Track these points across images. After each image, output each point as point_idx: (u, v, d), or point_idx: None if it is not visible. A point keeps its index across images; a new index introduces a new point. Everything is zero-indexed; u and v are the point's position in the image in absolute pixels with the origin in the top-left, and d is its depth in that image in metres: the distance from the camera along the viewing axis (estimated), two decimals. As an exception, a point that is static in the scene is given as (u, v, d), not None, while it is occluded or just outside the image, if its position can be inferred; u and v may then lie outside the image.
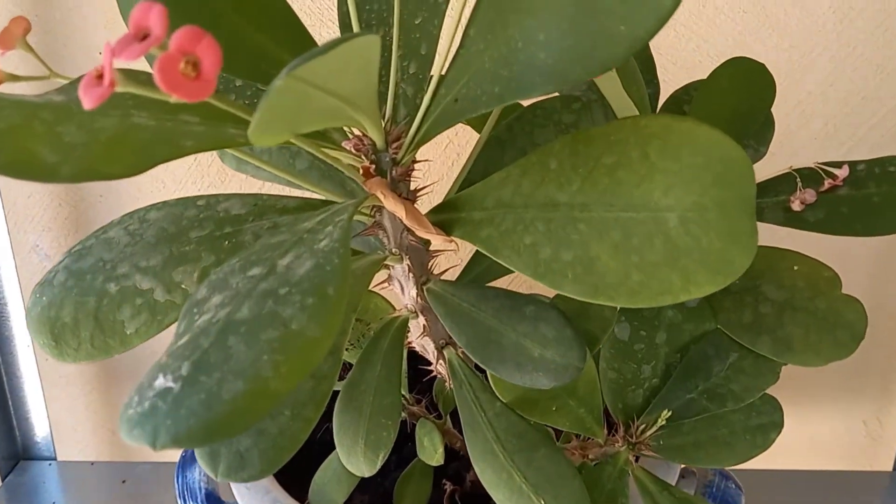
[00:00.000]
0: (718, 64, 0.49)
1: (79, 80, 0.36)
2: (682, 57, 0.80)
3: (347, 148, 0.40)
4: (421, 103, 0.43)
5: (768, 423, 0.47)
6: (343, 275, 0.31)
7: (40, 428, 0.94)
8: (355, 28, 0.43)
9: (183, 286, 0.40)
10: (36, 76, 0.36)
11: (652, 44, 0.42)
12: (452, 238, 0.40)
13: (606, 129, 0.35)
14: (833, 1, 0.77)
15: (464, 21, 0.36)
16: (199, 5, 0.37)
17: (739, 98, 0.49)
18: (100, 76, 0.26)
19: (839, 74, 0.81)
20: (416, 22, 0.43)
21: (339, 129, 0.42)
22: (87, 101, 0.26)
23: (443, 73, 0.38)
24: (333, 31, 0.80)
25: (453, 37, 0.37)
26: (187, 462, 0.60)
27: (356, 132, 0.42)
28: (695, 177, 0.33)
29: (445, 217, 0.40)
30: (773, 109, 0.53)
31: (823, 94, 0.82)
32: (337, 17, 0.46)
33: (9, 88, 0.36)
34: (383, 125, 0.41)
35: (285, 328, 0.28)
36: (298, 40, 0.39)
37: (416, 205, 0.42)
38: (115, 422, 0.83)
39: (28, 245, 0.90)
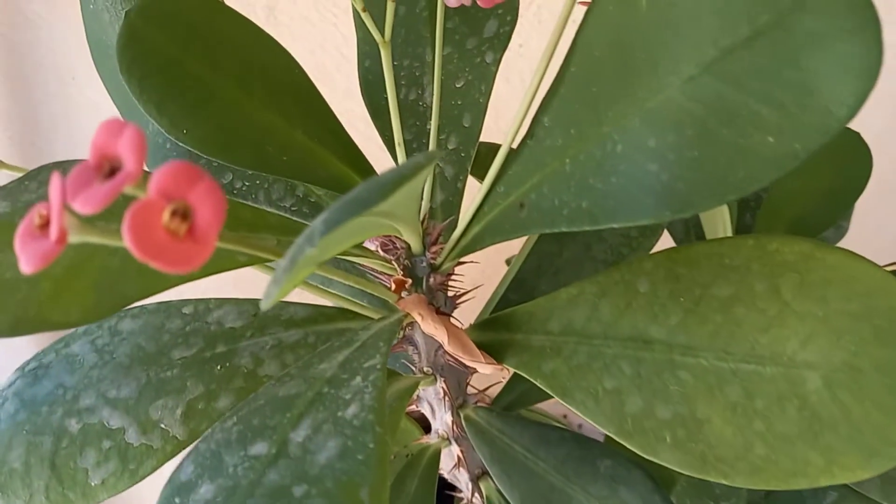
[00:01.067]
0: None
1: (35, 172, 0.27)
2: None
3: (373, 250, 0.32)
4: (462, 187, 0.35)
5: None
6: (381, 469, 0.22)
7: None
8: (389, 82, 0.34)
9: (163, 425, 0.31)
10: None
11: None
12: (504, 367, 0.32)
13: (718, 249, 0.27)
14: None
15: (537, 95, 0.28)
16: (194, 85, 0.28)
17: (833, 173, 0.41)
18: (44, 224, 0.18)
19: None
20: (458, 86, 0.35)
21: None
22: (28, 261, 0.18)
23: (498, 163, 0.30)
24: (336, 49, 0.72)
25: (522, 119, 0.28)
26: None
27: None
28: (847, 328, 0.25)
29: (495, 338, 0.32)
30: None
31: None
32: (357, 64, 0.37)
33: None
34: (420, 221, 0.32)
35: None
36: (314, 116, 0.31)
37: (455, 314, 0.34)
38: None
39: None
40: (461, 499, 0.40)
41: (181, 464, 0.26)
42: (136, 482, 0.31)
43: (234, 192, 0.34)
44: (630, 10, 0.23)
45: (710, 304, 0.27)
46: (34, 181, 0.27)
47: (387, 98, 0.36)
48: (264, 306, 0.18)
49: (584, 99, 0.25)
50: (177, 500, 0.24)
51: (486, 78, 0.34)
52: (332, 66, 0.72)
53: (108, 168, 0.17)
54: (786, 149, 0.22)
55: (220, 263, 0.27)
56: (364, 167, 0.31)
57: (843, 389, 0.25)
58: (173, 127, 0.29)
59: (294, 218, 0.32)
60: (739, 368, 0.26)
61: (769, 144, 0.22)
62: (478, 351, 0.31)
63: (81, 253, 0.25)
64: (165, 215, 0.17)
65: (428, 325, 0.30)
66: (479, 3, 0.31)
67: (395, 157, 0.32)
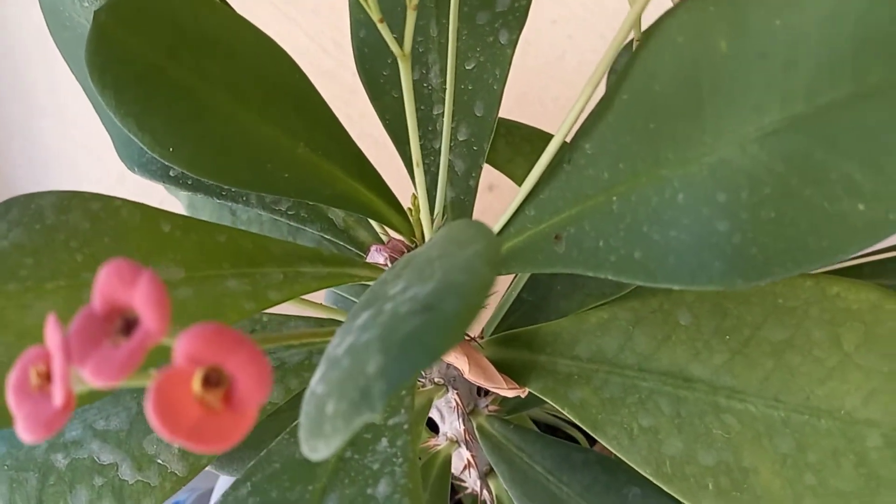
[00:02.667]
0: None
1: (2, 209, 0.24)
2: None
3: (381, 261, 0.29)
4: (475, 184, 0.31)
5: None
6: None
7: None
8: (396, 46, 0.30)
9: (160, 461, 0.29)
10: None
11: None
12: (526, 389, 0.30)
13: (772, 288, 0.25)
14: None
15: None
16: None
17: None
18: (43, 379, 0.15)
19: None
20: (468, 67, 0.31)
21: (364, 223, 0.31)
22: (30, 429, 0.15)
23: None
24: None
25: (564, 137, 0.25)
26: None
27: (392, 232, 0.30)
28: (916, 388, 0.23)
29: (516, 357, 0.30)
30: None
31: None
32: (350, 34, 0.33)
33: None
34: (433, 222, 0.29)
35: None
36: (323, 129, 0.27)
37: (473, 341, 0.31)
38: None
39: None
40: (465, 487, 0.39)
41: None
42: (135, 521, 0.29)
43: (223, 193, 0.30)
44: (705, 47, 0.20)
45: (761, 347, 0.25)
46: (3, 221, 0.23)
47: (386, 75, 0.32)
48: (312, 456, 0.16)
49: (638, 133, 0.22)
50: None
51: (500, 61, 0.31)
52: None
53: (122, 322, 0.14)
54: (878, 216, 0.19)
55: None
56: (375, 181, 0.28)
57: (906, 449, 0.23)
58: (157, 144, 0.25)
59: (299, 242, 0.28)
60: (791, 418, 0.25)
61: (859, 212, 0.19)
62: (500, 376, 0.29)
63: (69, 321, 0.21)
64: (196, 383, 0.14)
65: (448, 356, 0.28)
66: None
67: (412, 175, 0.29)
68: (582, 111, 0.24)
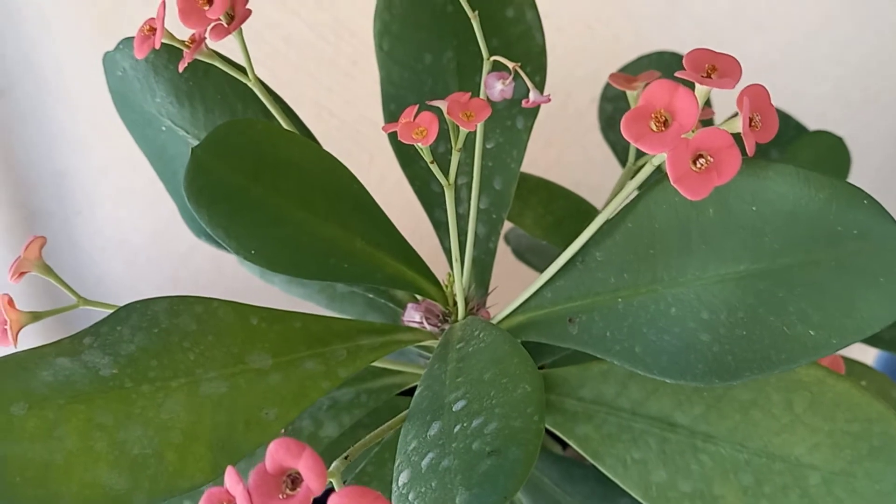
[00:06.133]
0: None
1: (123, 314, 0.29)
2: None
3: (417, 318, 0.35)
4: (494, 247, 0.37)
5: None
6: None
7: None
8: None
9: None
10: (62, 308, 0.29)
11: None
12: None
13: (740, 358, 0.31)
14: None
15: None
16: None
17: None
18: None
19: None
20: (488, 146, 0.36)
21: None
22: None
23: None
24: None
25: (581, 247, 0.31)
26: None
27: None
28: (848, 444, 0.30)
29: (529, 393, 0.36)
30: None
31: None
32: (382, 106, 0.38)
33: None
34: (464, 293, 0.35)
35: None
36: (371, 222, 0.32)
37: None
38: None
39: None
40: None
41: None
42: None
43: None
44: (696, 209, 0.26)
45: (731, 404, 0.31)
46: (126, 326, 0.28)
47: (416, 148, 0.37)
48: None
49: (641, 254, 0.28)
50: None
51: (517, 144, 0.36)
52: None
53: (289, 480, 0.20)
54: (824, 340, 0.26)
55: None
56: (416, 263, 0.33)
57: (839, 487, 0.30)
58: (241, 248, 0.30)
59: (356, 319, 0.34)
60: (752, 460, 0.31)
61: (810, 336, 0.26)
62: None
63: (192, 414, 0.27)
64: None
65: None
66: (523, 104, 0.32)
67: (450, 262, 0.34)
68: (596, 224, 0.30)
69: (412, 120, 0.29)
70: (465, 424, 0.23)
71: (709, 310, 0.27)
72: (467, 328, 0.31)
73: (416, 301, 0.36)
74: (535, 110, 0.36)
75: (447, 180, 0.30)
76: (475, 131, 0.32)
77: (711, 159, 0.22)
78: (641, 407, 0.33)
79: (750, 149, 0.23)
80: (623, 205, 0.29)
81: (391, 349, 0.33)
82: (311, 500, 0.20)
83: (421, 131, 0.28)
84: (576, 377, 0.35)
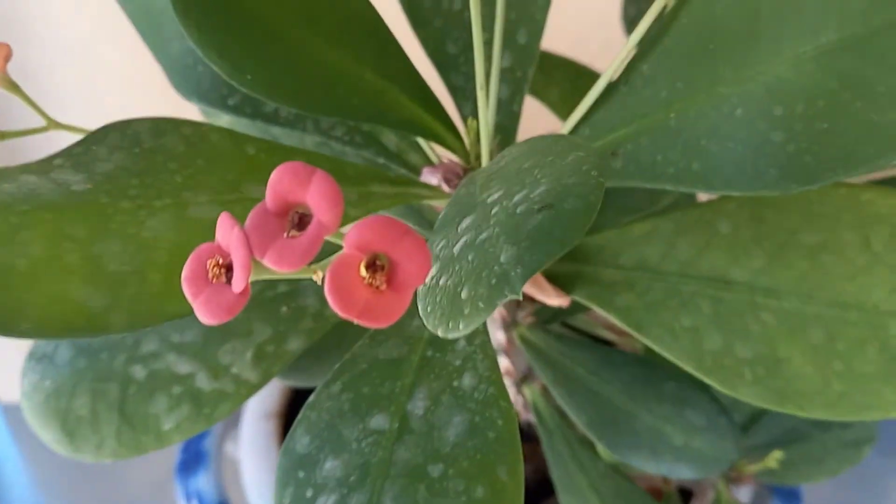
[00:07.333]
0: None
1: (100, 134, 0.25)
2: None
3: (434, 181, 0.31)
4: (518, 109, 0.33)
5: (863, 438, 0.43)
6: (515, 445, 0.23)
7: None
8: None
9: (234, 370, 0.31)
10: (29, 130, 0.25)
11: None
12: (569, 298, 0.32)
13: (807, 196, 0.27)
14: None
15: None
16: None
17: None
18: (220, 273, 0.17)
19: None
20: (511, -4, 0.33)
21: (415, 147, 0.33)
22: (211, 313, 0.17)
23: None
24: None
25: (622, 60, 0.27)
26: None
27: (442, 154, 0.32)
28: (937, 282, 0.26)
29: (560, 268, 0.32)
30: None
31: None
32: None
33: None
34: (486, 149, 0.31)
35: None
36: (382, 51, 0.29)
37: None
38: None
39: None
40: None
41: (293, 432, 0.26)
42: (211, 425, 0.31)
43: (280, 121, 0.32)
44: (768, -27, 0.22)
45: (796, 251, 0.28)
46: (102, 146, 0.25)
47: (428, 5, 0.34)
48: (449, 335, 0.18)
49: (696, 54, 0.24)
50: (301, 473, 0.24)
51: (543, -10, 0.32)
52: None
53: (294, 215, 0.16)
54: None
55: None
56: (435, 107, 0.29)
57: (926, 336, 0.26)
58: (235, 71, 0.26)
59: (370, 163, 0.30)
60: (822, 313, 0.27)
61: (892, 121, 0.22)
62: (548, 285, 0.31)
63: (179, 235, 0.23)
64: (363, 269, 0.16)
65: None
66: None
67: (456, 100, 0.30)
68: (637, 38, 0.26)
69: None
70: (504, 203, 0.19)
71: (782, 103, 0.23)
72: (495, 158, 0.27)
73: (432, 165, 0.32)
74: (562, -49, 0.32)
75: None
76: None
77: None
78: (691, 267, 0.29)
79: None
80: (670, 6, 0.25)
81: (405, 201, 0.29)
82: (323, 238, 0.16)
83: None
84: (614, 242, 0.31)
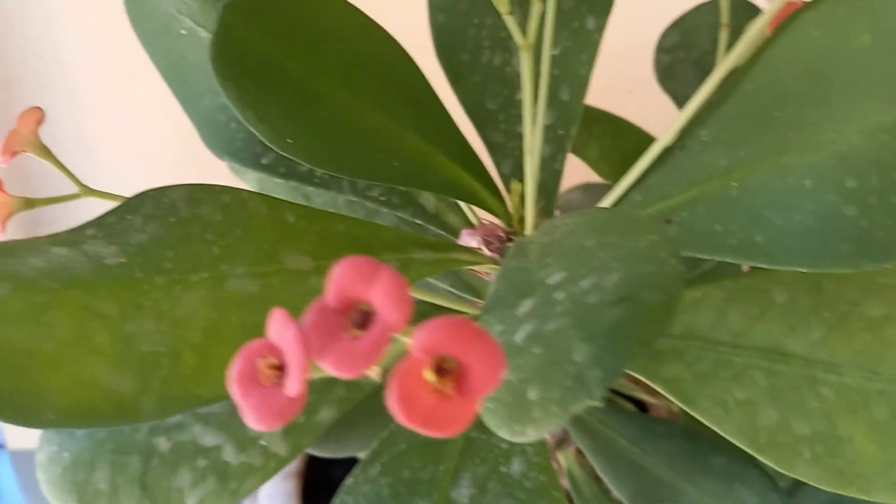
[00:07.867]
0: None
1: (135, 202, 0.24)
2: None
3: (474, 244, 0.30)
4: (560, 168, 0.32)
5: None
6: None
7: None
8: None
9: (262, 441, 0.29)
10: (61, 196, 0.24)
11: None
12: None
13: (870, 266, 0.26)
14: None
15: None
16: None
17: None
18: (272, 374, 0.15)
19: None
20: (554, 53, 0.32)
21: (453, 208, 0.32)
22: (262, 418, 0.15)
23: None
24: None
25: (683, 125, 0.26)
26: None
27: (483, 217, 0.31)
28: None
29: (604, 334, 0.31)
30: None
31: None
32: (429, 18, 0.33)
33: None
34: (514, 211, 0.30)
35: None
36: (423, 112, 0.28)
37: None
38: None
39: None
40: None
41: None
42: (237, 500, 0.30)
43: (315, 180, 0.31)
44: (844, 40, 0.21)
45: (858, 323, 0.26)
46: (137, 215, 0.23)
47: (466, 60, 0.33)
48: (517, 439, 0.17)
49: (761, 122, 0.23)
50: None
51: (587, 47, 0.31)
52: None
53: (357, 313, 0.15)
54: None
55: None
56: (478, 170, 0.28)
57: None
58: (275, 135, 0.25)
59: (405, 228, 0.29)
60: (887, 389, 0.26)
61: None
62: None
63: (216, 311, 0.22)
64: (429, 373, 0.14)
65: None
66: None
67: (495, 160, 0.29)
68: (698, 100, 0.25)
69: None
70: (570, 289, 0.18)
71: (856, 174, 0.22)
72: (543, 226, 0.26)
73: (471, 226, 0.31)
74: (607, 5, 0.31)
75: (524, 37, 0.25)
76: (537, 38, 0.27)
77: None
78: (744, 337, 0.28)
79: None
80: (734, 69, 0.24)
81: (446, 267, 0.28)
82: (388, 341, 0.14)
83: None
84: (661, 310, 0.30)
